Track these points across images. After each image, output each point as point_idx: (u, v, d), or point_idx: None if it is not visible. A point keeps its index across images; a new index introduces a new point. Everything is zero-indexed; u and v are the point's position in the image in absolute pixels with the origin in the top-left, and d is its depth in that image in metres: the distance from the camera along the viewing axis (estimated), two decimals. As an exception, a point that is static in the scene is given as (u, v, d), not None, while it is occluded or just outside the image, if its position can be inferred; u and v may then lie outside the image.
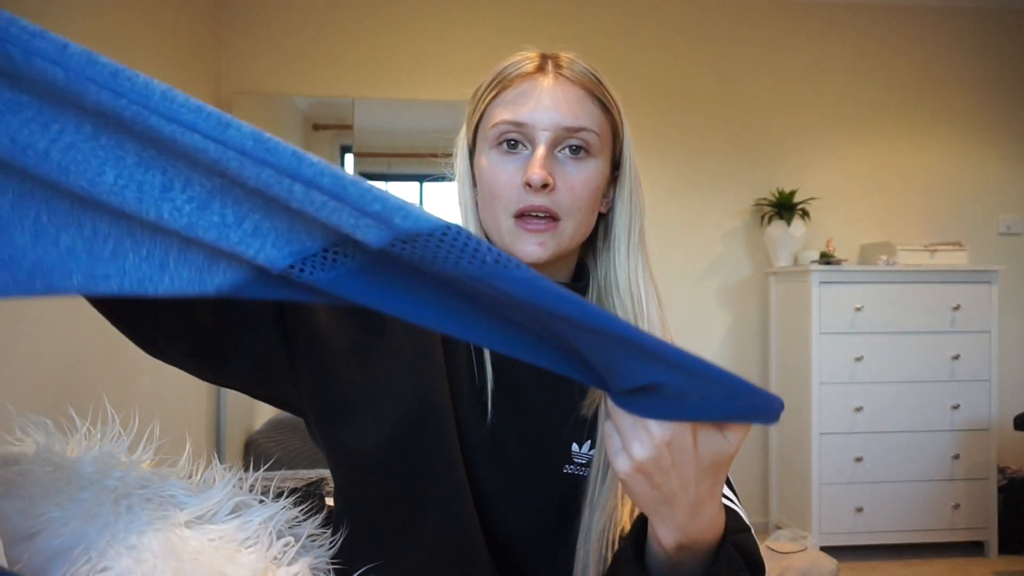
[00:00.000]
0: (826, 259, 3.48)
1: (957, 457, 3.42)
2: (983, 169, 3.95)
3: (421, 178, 3.64)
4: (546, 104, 0.86)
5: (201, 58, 3.34)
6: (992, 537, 3.44)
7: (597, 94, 0.89)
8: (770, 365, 3.77)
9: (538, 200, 0.85)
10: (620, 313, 0.90)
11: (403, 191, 3.76)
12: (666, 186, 3.79)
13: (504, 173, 0.87)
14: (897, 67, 3.93)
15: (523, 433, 0.89)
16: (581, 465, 0.89)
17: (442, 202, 3.39)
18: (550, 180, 0.84)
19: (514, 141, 0.87)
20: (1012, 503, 3.52)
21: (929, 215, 3.92)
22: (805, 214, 3.67)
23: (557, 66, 0.89)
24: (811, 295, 3.38)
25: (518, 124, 0.86)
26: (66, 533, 0.64)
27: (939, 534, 3.42)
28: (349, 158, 3.68)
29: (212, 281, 0.56)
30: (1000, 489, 3.50)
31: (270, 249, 0.54)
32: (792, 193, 3.66)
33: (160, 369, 3.01)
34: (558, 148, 0.87)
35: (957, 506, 3.41)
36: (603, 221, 0.95)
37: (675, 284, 3.81)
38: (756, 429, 3.81)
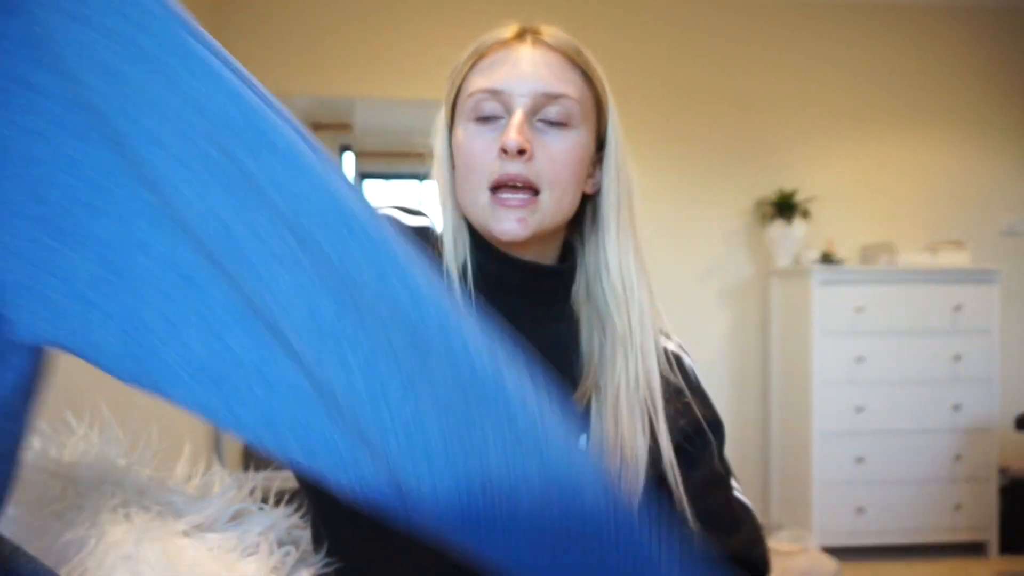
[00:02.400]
0: (827, 259, 3.47)
1: (958, 458, 3.41)
2: (984, 169, 3.95)
3: (421, 178, 3.62)
4: (524, 69, 0.83)
5: (200, 58, 3.33)
6: (993, 538, 3.43)
7: (578, 62, 0.85)
8: (770, 365, 3.76)
9: (515, 168, 0.80)
10: (611, 299, 0.86)
11: (403, 190, 3.75)
12: (667, 186, 3.78)
13: (480, 143, 0.83)
14: (897, 67, 3.92)
15: None
16: None
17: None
18: (527, 146, 0.80)
19: (491, 110, 0.83)
20: (1013, 504, 3.51)
21: (930, 215, 3.91)
22: (806, 214, 3.66)
23: (536, 33, 0.86)
24: (812, 295, 3.37)
25: (495, 92, 0.82)
26: (63, 542, 0.63)
27: (940, 535, 3.42)
28: (349, 158, 3.67)
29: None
30: (1001, 490, 3.50)
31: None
32: (793, 193, 3.65)
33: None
34: (537, 116, 0.83)
35: (958, 507, 3.41)
36: (590, 202, 0.91)
37: (676, 284, 3.80)
38: (756, 429, 3.80)
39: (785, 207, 3.65)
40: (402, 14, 3.65)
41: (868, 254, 3.78)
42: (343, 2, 3.63)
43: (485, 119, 0.83)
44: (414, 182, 3.77)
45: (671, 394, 0.88)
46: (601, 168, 0.90)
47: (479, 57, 0.86)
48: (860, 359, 3.38)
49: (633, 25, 3.80)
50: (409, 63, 3.60)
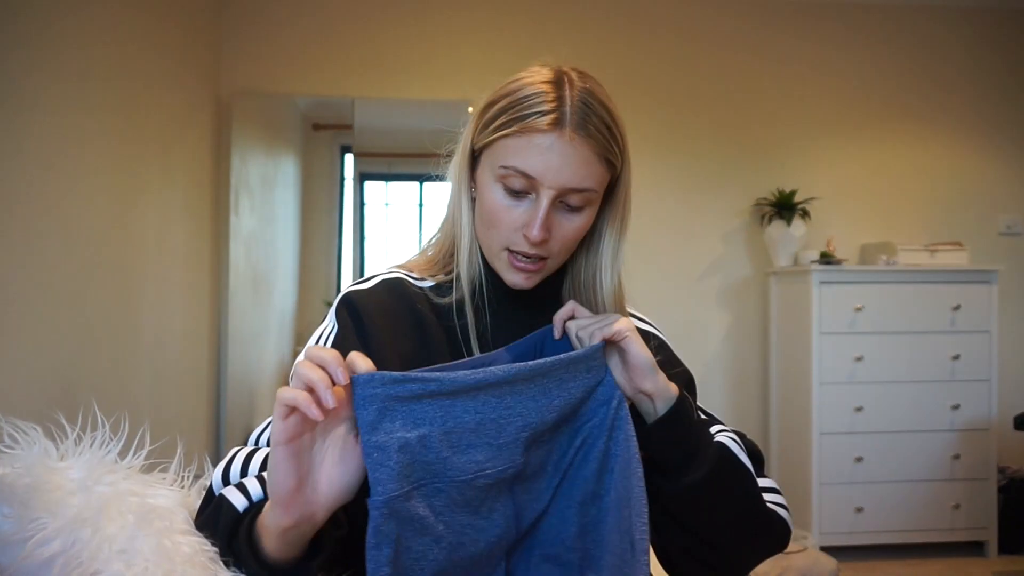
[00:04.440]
0: (826, 259, 3.48)
1: (957, 457, 3.41)
2: (983, 169, 3.95)
3: (421, 178, 3.64)
4: (556, 164, 0.88)
5: (201, 58, 3.34)
6: (992, 537, 3.44)
7: (607, 156, 0.92)
8: (770, 365, 3.77)
9: (533, 251, 0.92)
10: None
11: (403, 190, 3.76)
12: (666, 186, 3.79)
13: (507, 215, 0.92)
14: (897, 67, 3.93)
15: None
16: None
17: (441, 201, 3.38)
18: (547, 236, 0.91)
19: (519, 187, 0.90)
20: (1012, 503, 3.52)
21: (929, 215, 3.91)
22: (805, 214, 3.66)
23: (580, 123, 0.89)
24: (811, 295, 3.37)
25: (527, 176, 0.89)
26: (57, 538, 0.64)
27: (939, 534, 3.42)
28: (349, 158, 3.68)
29: None
30: (1000, 489, 3.50)
31: None
32: (792, 193, 3.65)
33: (159, 368, 3.01)
34: (559, 199, 0.91)
35: (957, 506, 3.41)
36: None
37: (675, 284, 3.80)
38: (756, 429, 3.81)
39: (785, 207, 3.65)
40: (402, 14, 3.66)
41: (867, 254, 3.78)
42: (343, 2, 3.64)
43: (513, 193, 0.91)
44: (413, 183, 3.77)
45: None
46: (605, 207, 0.99)
47: (518, 131, 0.89)
48: (859, 359, 3.38)
49: (633, 26, 3.80)
50: (409, 63, 3.61)
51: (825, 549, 3.20)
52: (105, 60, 2.39)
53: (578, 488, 0.85)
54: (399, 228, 3.73)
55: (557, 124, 0.88)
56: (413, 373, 0.72)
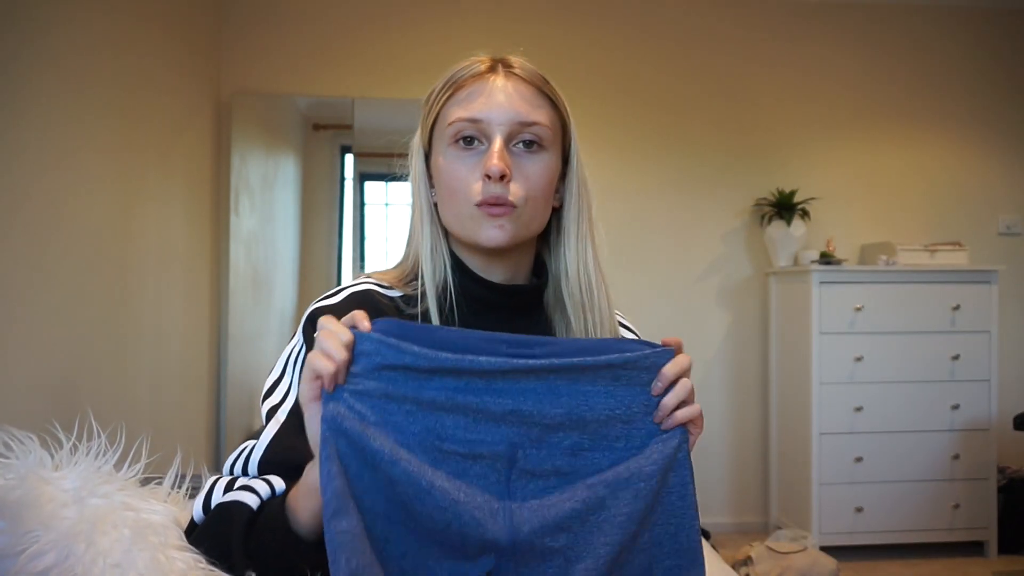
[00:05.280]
0: (826, 259, 3.48)
1: (957, 457, 3.41)
2: (983, 169, 3.94)
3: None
4: (500, 100, 0.91)
5: (201, 58, 3.34)
6: (992, 537, 3.44)
7: (547, 91, 0.95)
8: (770, 365, 3.77)
9: (497, 190, 0.90)
10: (569, 303, 0.97)
11: (403, 190, 3.76)
12: (667, 186, 3.78)
13: (463, 168, 0.92)
14: (897, 67, 3.92)
15: None
16: None
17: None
18: (507, 171, 0.90)
19: (470, 137, 0.92)
20: (1012, 503, 3.52)
21: (929, 215, 3.91)
22: (805, 214, 3.66)
23: (508, 66, 0.94)
24: (811, 295, 3.37)
25: (474, 120, 0.91)
26: (51, 551, 0.64)
27: (939, 534, 3.42)
28: (349, 158, 3.68)
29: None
30: (1000, 489, 3.50)
31: None
32: (792, 193, 3.65)
33: (159, 370, 3.00)
34: (513, 142, 0.92)
35: (957, 506, 3.41)
36: (555, 216, 1.01)
37: (675, 284, 3.80)
38: (756, 429, 3.81)
39: (784, 207, 3.65)
40: (402, 15, 3.65)
41: (867, 254, 3.78)
42: (343, 2, 3.64)
43: (466, 145, 0.92)
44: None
45: None
46: (564, 183, 0.99)
47: (456, 88, 0.94)
48: (859, 359, 3.38)
49: (633, 28, 3.80)
50: (409, 63, 3.61)
51: (825, 549, 3.20)
52: (106, 61, 2.39)
53: (618, 529, 0.76)
54: (399, 228, 3.73)
55: (491, 69, 0.94)
56: (440, 356, 0.73)
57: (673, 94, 3.81)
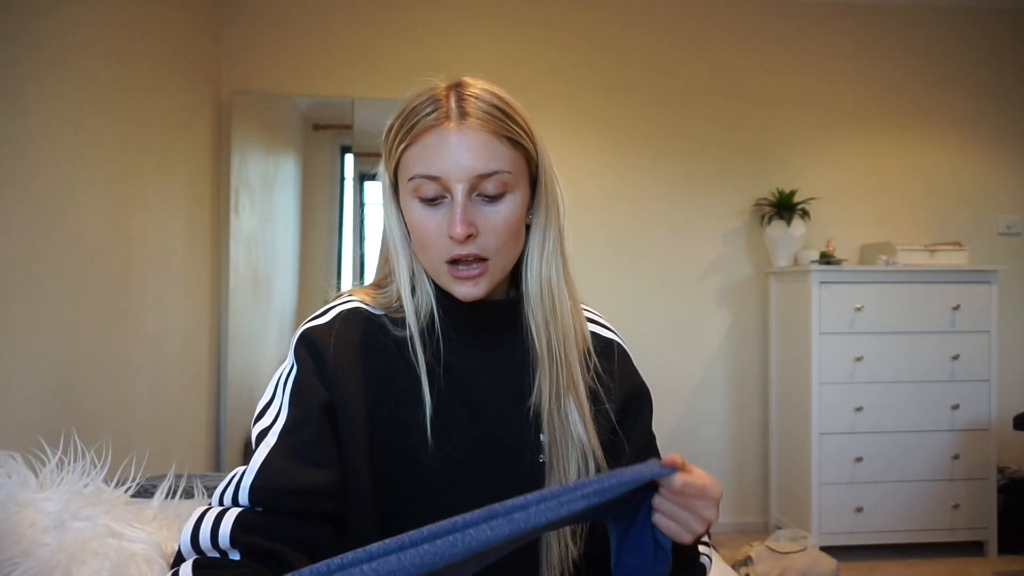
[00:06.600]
0: (826, 259, 3.48)
1: (957, 457, 3.41)
2: (983, 169, 3.94)
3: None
4: (456, 156, 0.88)
5: (201, 58, 3.34)
6: (992, 537, 3.44)
7: (505, 134, 0.90)
8: (770, 365, 3.77)
9: (465, 250, 0.90)
10: (533, 320, 0.96)
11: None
12: (666, 187, 3.78)
13: (430, 224, 0.90)
14: (897, 67, 3.92)
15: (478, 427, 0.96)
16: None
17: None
18: (473, 230, 0.89)
19: (433, 196, 0.90)
20: (1012, 503, 3.52)
21: (929, 215, 3.91)
22: (805, 214, 3.66)
23: (462, 111, 0.89)
24: (811, 295, 3.37)
25: (433, 178, 0.89)
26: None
27: (939, 534, 3.42)
28: (349, 158, 3.68)
29: None
30: (1000, 489, 3.50)
31: None
32: (792, 193, 3.65)
33: (159, 369, 3.00)
34: (476, 192, 0.89)
35: (957, 506, 3.41)
36: (526, 231, 0.99)
37: (675, 284, 3.80)
38: (756, 429, 3.81)
39: (784, 207, 3.65)
40: (402, 15, 3.65)
41: (867, 254, 3.78)
42: (343, 2, 3.64)
43: (429, 202, 0.90)
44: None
45: (601, 379, 1.01)
46: (533, 206, 0.97)
47: (412, 138, 0.90)
48: (859, 359, 3.38)
49: (633, 26, 3.80)
50: (409, 63, 3.61)
51: (825, 549, 3.20)
52: (106, 61, 2.39)
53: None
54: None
55: (444, 118, 0.89)
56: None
57: (673, 94, 3.81)
